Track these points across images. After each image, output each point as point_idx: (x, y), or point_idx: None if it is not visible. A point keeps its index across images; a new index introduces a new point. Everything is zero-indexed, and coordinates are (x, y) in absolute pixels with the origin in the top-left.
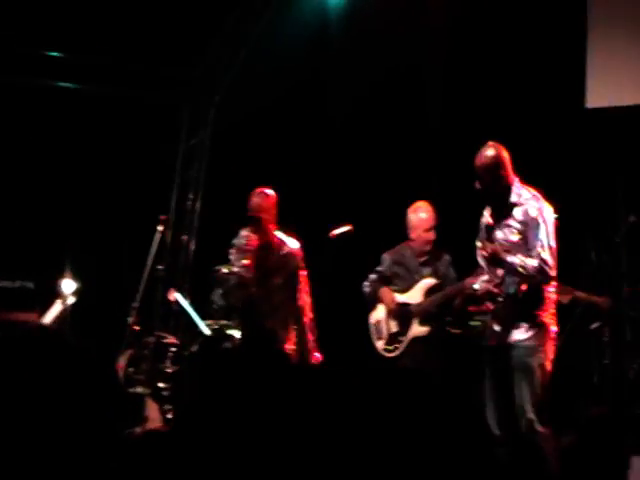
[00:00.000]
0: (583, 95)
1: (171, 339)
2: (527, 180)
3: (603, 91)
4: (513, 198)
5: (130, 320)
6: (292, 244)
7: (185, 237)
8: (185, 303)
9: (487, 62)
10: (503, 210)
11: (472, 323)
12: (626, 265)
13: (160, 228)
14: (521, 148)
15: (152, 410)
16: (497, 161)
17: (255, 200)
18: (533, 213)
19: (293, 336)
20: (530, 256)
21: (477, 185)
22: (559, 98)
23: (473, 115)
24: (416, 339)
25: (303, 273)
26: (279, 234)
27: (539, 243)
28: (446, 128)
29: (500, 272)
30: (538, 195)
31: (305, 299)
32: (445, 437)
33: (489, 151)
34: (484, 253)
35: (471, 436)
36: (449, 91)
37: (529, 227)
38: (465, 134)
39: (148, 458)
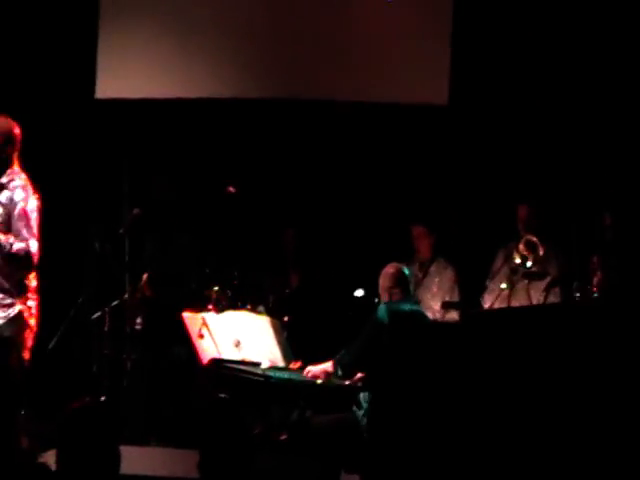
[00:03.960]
0: (93, 86)
1: None
2: (34, 167)
3: (112, 83)
4: (3, 179)
5: None
6: None
7: None
8: None
9: None
10: None
11: None
12: (129, 255)
13: None
14: (32, 134)
15: None
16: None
17: None
18: (18, 201)
19: None
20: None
21: None
22: (69, 88)
23: None
24: None
25: None
26: None
27: (26, 232)
28: None
29: None
30: (27, 184)
31: None
32: None
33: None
34: None
35: None
36: None
37: (13, 214)
38: None
39: None
